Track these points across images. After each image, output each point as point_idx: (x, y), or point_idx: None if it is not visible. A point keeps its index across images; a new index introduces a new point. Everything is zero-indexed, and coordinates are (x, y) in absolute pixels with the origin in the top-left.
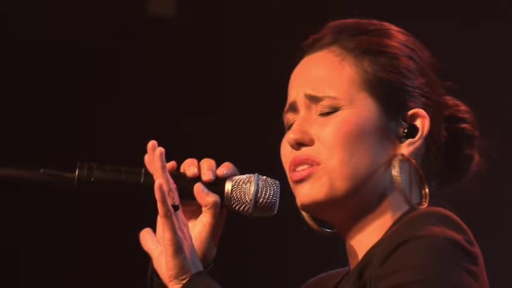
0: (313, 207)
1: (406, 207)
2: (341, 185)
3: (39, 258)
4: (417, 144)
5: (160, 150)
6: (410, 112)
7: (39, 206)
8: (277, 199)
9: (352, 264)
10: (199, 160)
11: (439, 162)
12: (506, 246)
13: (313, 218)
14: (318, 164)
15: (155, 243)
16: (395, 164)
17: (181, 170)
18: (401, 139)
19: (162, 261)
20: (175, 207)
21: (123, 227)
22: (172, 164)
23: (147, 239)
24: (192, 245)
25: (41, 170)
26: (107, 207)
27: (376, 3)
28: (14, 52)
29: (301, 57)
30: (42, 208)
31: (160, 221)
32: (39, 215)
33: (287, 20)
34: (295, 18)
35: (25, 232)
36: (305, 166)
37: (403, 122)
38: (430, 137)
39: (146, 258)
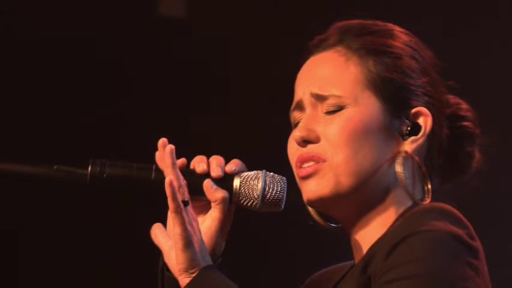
0: (319, 203)
1: (409, 203)
2: (346, 181)
3: (39, 238)
4: (420, 141)
5: (171, 147)
6: (413, 110)
7: (40, 186)
8: (284, 195)
9: (357, 258)
10: (208, 157)
11: (441, 159)
12: (506, 241)
13: (319, 213)
14: (324, 160)
15: (166, 238)
16: (399, 160)
17: (191, 167)
18: (404, 137)
19: (173, 255)
20: (185, 203)
21: (134, 222)
22: (182, 160)
23: (157, 233)
24: (202, 240)
25: (55, 167)
26: (118, 201)
27: (375, 3)
28: (34, 52)
29: (307, 57)
30: (43, 188)
31: (170, 216)
32: (40, 194)
33: (296, 21)
34: (299, 19)
35: (25, 212)
36: (311, 163)
37: (406, 120)
38: (432, 135)
39: (157, 252)
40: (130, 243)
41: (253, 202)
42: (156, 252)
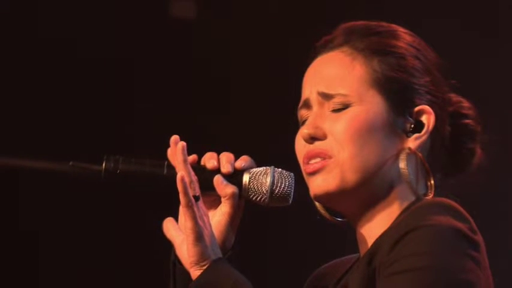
0: (325, 198)
1: (412, 198)
2: (351, 177)
3: (59, 239)
4: (423, 138)
5: (182, 144)
6: (416, 108)
7: (60, 187)
8: (292, 190)
9: (362, 251)
10: (218, 153)
11: (444, 155)
12: (506, 235)
13: (326, 208)
14: (330, 157)
15: (177, 232)
16: (403, 157)
17: (202, 163)
18: (408, 134)
19: (184, 248)
20: (196, 198)
21: (147, 216)
22: (193, 157)
23: (169, 227)
24: (212, 233)
25: (70, 163)
26: (132, 196)
27: (374, 4)
28: (44, 52)
29: (314, 57)
30: (63, 188)
31: (182, 210)
32: (59, 195)
33: (298, 22)
34: (302, 21)
35: (45, 213)
36: (318, 159)
37: (409, 118)
38: (435, 132)
39: (169, 245)
40: (150, 242)
41: (262, 197)
42: (169, 247)
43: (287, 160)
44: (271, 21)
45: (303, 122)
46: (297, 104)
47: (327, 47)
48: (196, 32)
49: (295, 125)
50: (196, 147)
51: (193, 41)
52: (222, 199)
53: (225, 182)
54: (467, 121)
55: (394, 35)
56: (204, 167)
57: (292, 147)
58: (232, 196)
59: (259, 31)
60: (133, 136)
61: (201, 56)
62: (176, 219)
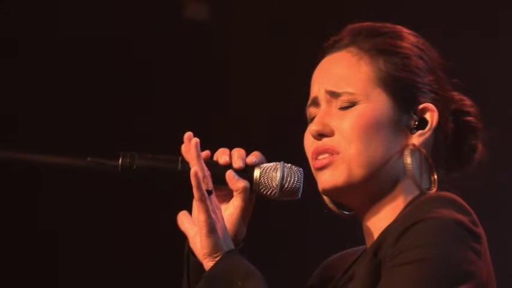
0: (333, 192)
1: (416, 192)
2: (358, 172)
3: (77, 239)
4: (427, 135)
5: (196, 140)
6: (420, 106)
7: (79, 187)
8: (301, 185)
9: (368, 243)
10: (230, 149)
11: (447, 151)
12: (506, 229)
13: (333, 202)
14: (338, 153)
15: (191, 224)
16: (407, 153)
17: (215, 159)
18: (412, 131)
19: (197, 240)
20: (209, 192)
21: (162, 210)
22: (206, 152)
23: (183, 220)
24: (224, 226)
25: (88, 159)
26: (147, 190)
27: (375, 4)
28: (67, 52)
29: (322, 57)
30: (82, 188)
31: (195, 204)
32: (78, 195)
33: (302, 23)
34: (303, 22)
35: (64, 213)
36: (326, 155)
37: (414, 115)
38: (438, 129)
39: (183, 238)
40: (169, 242)
41: (272, 191)
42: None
43: (286, 159)
44: (271, 21)
45: (312, 120)
46: (298, 103)
47: (334, 47)
48: (197, 32)
49: (295, 124)
50: (210, 142)
51: (194, 41)
52: (234, 193)
53: (236, 177)
54: (469, 118)
55: (399, 36)
56: (216, 163)
57: (291, 146)
58: (244, 190)
59: (259, 31)
60: (136, 135)
61: (202, 56)
62: (190, 212)
